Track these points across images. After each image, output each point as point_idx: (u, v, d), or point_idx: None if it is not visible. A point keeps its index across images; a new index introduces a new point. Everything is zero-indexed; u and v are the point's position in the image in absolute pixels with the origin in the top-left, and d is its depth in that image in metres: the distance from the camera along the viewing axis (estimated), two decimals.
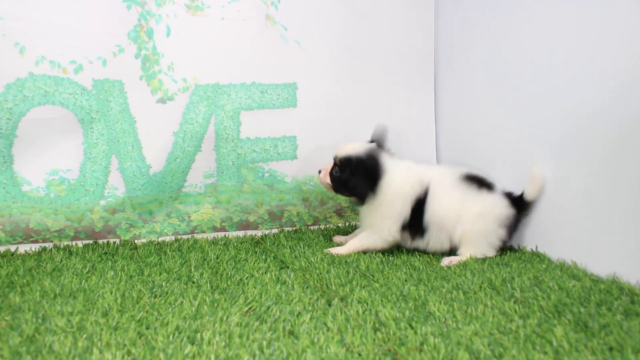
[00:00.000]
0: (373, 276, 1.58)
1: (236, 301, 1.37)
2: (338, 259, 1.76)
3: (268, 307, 1.32)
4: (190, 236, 2.02)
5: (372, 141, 1.88)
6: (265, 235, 2.05)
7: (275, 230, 2.11)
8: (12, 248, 1.87)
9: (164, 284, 1.52)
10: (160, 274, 1.61)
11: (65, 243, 1.91)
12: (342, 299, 1.39)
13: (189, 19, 1.93)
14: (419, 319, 1.25)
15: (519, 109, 1.88)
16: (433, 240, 1.81)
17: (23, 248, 1.87)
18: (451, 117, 2.23)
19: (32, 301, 1.39)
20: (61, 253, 1.82)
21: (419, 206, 1.79)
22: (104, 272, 1.64)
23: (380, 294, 1.42)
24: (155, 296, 1.42)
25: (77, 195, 1.89)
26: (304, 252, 1.84)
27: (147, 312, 1.31)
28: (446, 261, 1.74)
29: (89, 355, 1.07)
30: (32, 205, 1.86)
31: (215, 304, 1.35)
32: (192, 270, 1.64)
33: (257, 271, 1.63)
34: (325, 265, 1.69)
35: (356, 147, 1.82)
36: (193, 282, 1.54)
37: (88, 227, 1.92)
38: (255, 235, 2.07)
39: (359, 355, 1.09)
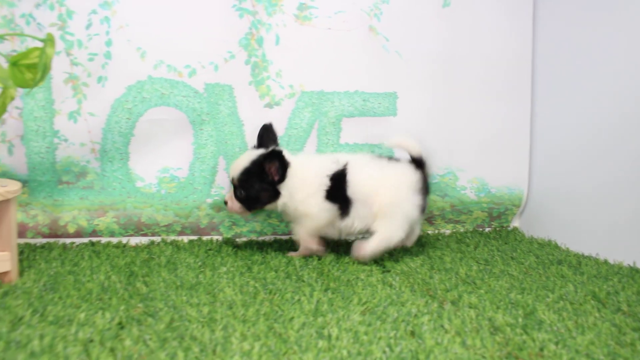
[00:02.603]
0: (475, 283, 1.63)
1: (350, 301, 1.43)
2: (437, 265, 1.80)
3: (385, 308, 1.38)
4: (288, 237, 2.09)
5: (258, 146, 1.87)
6: (359, 239, 2.11)
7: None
8: (124, 240, 1.98)
9: (275, 281, 1.60)
10: (269, 272, 1.69)
11: (172, 238, 2.01)
12: (452, 303, 1.44)
13: (297, 28, 2.01)
14: (533, 326, 1.29)
15: (629, 123, 1.87)
16: (359, 217, 1.82)
17: (133, 240, 1.98)
18: (548, 131, 2.23)
19: (158, 291, 1.48)
20: (170, 247, 1.92)
21: (340, 179, 1.80)
22: (214, 267, 1.72)
23: (489, 300, 1.46)
24: (270, 292, 1.50)
25: (186, 193, 1.98)
26: (402, 256, 1.89)
27: (268, 307, 1.38)
28: (357, 249, 1.81)
29: (229, 345, 1.15)
30: (145, 201, 1.96)
31: (332, 303, 1.42)
32: (298, 269, 1.72)
33: (362, 273, 1.69)
34: (426, 270, 1.74)
35: (244, 158, 1.82)
36: (303, 281, 1.60)
37: (194, 223, 2.01)
38: (349, 239, 2.13)
39: (483, 357, 1.14)
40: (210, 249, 1.93)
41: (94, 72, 1.87)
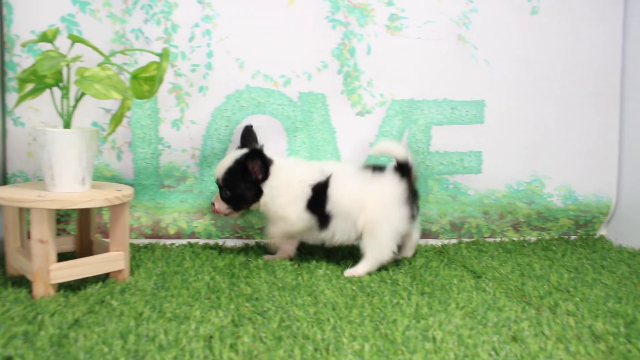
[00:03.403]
0: (569, 291, 1.64)
1: (448, 305, 1.48)
2: (527, 272, 1.82)
3: (484, 313, 1.42)
4: None
5: (242, 147, 1.90)
6: (445, 245, 2.15)
7: (454, 241, 2.20)
8: (220, 242, 2.08)
9: (371, 284, 1.65)
10: (363, 275, 1.75)
11: (266, 241, 2.09)
12: (549, 310, 1.46)
13: (388, 39, 2.06)
14: (636, 336, 1.30)
15: None
16: (339, 231, 1.83)
17: (229, 243, 2.08)
18: (638, 137, 2.22)
19: (263, 292, 1.56)
20: (264, 250, 2.00)
21: (322, 191, 1.81)
22: (310, 270, 1.79)
23: (586, 308, 1.48)
24: (369, 295, 1.56)
25: None
26: (491, 263, 1.92)
27: (369, 309, 1.44)
28: (348, 273, 1.78)
29: (340, 345, 1.21)
30: None
31: (431, 307, 1.46)
32: (391, 273, 1.77)
33: (454, 278, 1.73)
34: (517, 277, 1.76)
35: (228, 158, 1.85)
36: (398, 285, 1.66)
37: None
38: (436, 244, 2.17)
39: None
40: (303, 252, 2.00)
41: (196, 82, 1.97)
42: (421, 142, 2.12)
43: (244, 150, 1.84)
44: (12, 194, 1.52)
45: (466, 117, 2.14)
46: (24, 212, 1.68)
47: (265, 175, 1.82)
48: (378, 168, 1.85)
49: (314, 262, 1.87)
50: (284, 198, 1.82)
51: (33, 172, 1.92)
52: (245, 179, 1.82)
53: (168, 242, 2.06)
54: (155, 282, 1.62)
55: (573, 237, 2.32)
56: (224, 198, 1.86)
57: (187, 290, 1.55)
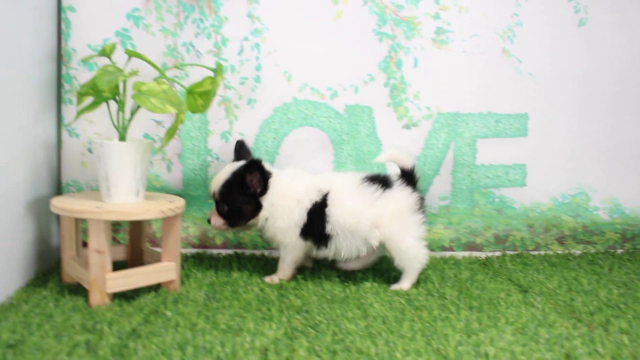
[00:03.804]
0: (619, 307, 1.63)
1: (498, 320, 1.48)
2: (574, 287, 1.81)
3: (535, 329, 1.42)
4: None
5: (236, 160, 1.84)
6: (489, 258, 2.14)
7: (497, 253, 2.20)
8: (265, 252, 2.11)
9: (419, 298, 1.66)
10: (409, 288, 1.76)
11: None
12: (602, 327, 1.46)
13: (435, 52, 2.07)
14: None
15: None
16: (345, 248, 1.78)
17: (274, 253, 2.09)
18: None
19: (312, 304, 1.58)
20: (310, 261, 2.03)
21: (318, 213, 1.76)
22: (357, 282, 1.81)
23: None
24: (417, 309, 1.57)
25: None
26: (537, 277, 1.91)
27: (419, 323, 1.45)
28: (396, 287, 1.77)
29: (394, 359, 1.23)
30: None
31: (480, 322, 1.47)
32: (437, 286, 1.77)
33: (501, 292, 1.73)
34: (565, 291, 1.76)
35: (224, 172, 1.78)
36: (446, 299, 1.66)
37: None
38: (480, 257, 2.17)
39: None
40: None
41: (245, 95, 2.01)
42: (467, 155, 2.12)
43: (242, 162, 1.79)
44: (71, 205, 1.57)
45: (510, 130, 2.14)
46: (79, 222, 1.73)
47: (264, 188, 1.76)
48: (383, 180, 1.80)
49: (359, 274, 1.89)
50: (282, 222, 1.78)
51: (86, 181, 1.97)
52: (243, 192, 1.76)
53: (215, 251, 2.09)
54: (206, 292, 1.65)
55: (620, 251, 2.29)
56: (220, 213, 1.79)
57: (237, 302, 1.58)
